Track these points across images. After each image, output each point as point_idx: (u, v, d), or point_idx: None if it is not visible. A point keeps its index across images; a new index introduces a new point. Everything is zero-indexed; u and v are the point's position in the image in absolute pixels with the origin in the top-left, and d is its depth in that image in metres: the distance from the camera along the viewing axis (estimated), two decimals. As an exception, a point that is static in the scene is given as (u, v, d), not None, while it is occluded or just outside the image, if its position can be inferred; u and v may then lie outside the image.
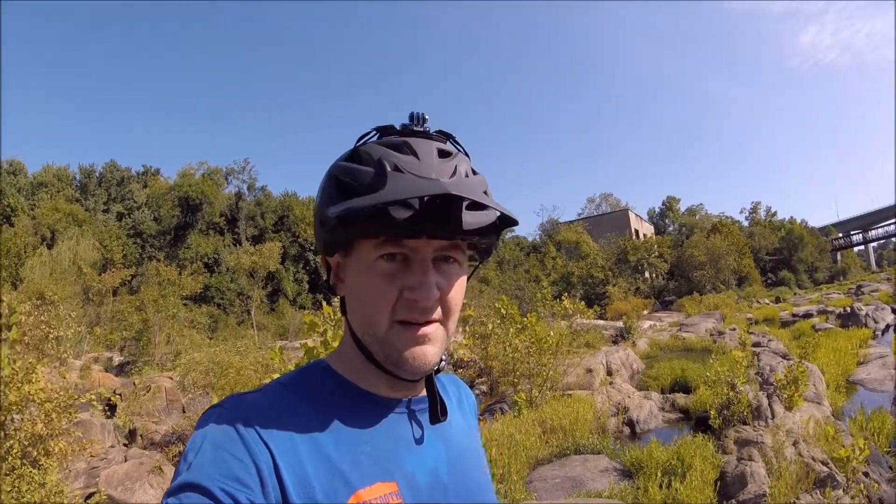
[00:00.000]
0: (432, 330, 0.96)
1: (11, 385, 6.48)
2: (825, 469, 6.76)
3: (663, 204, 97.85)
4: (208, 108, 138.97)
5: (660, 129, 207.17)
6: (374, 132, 0.99)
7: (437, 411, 1.07)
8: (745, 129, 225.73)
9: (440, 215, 0.89)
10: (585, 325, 19.47)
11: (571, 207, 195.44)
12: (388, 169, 0.89)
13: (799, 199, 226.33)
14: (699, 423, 10.33)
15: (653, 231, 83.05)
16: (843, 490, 6.35)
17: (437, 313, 0.97)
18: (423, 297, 0.92)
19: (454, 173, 0.94)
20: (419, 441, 1.03)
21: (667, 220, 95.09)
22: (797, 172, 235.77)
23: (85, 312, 24.71)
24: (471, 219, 0.92)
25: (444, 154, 0.97)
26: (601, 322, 27.91)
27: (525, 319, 12.68)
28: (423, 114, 1.00)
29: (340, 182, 0.95)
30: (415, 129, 0.98)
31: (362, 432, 0.97)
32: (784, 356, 15.52)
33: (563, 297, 15.28)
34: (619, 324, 26.39)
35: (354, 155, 0.96)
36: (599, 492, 7.09)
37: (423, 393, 1.10)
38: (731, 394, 9.44)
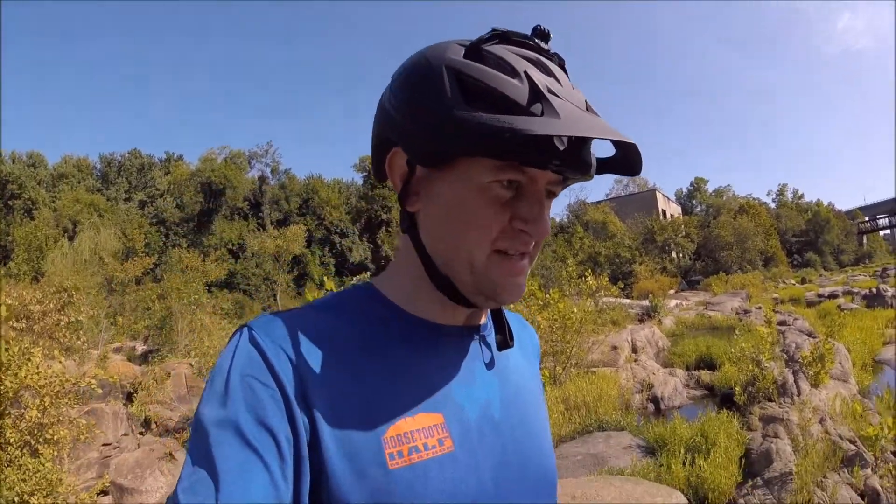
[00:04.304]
0: (526, 263, 0.91)
1: (9, 371, 6.42)
2: (853, 447, 6.64)
3: (691, 185, 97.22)
4: (231, 91, 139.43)
5: (690, 110, 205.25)
6: (492, 36, 0.87)
7: (507, 337, 1.01)
8: (775, 112, 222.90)
9: (572, 152, 0.82)
10: (611, 303, 19.31)
11: (599, 188, 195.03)
12: (543, 91, 0.80)
13: (826, 183, 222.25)
14: (724, 399, 10.25)
15: (680, 211, 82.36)
16: (872, 469, 6.25)
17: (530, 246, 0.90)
18: (537, 232, 0.87)
19: (588, 108, 0.86)
20: (472, 373, 0.96)
21: (694, 201, 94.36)
22: (825, 156, 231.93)
23: (109, 303, 24.67)
24: (592, 160, 0.87)
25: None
26: (627, 301, 27.76)
27: (547, 296, 12.57)
28: (548, 30, 0.90)
29: (469, 84, 0.82)
30: (541, 45, 0.89)
31: (408, 360, 0.90)
32: (809, 334, 15.43)
33: (586, 275, 15.18)
34: (646, 303, 26.19)
35: (478, 56, 0.84)
36: (621, 469, 6.99)
37: (483, 321, 1.03)
38: (756, 370, 9.35)
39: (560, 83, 0.84)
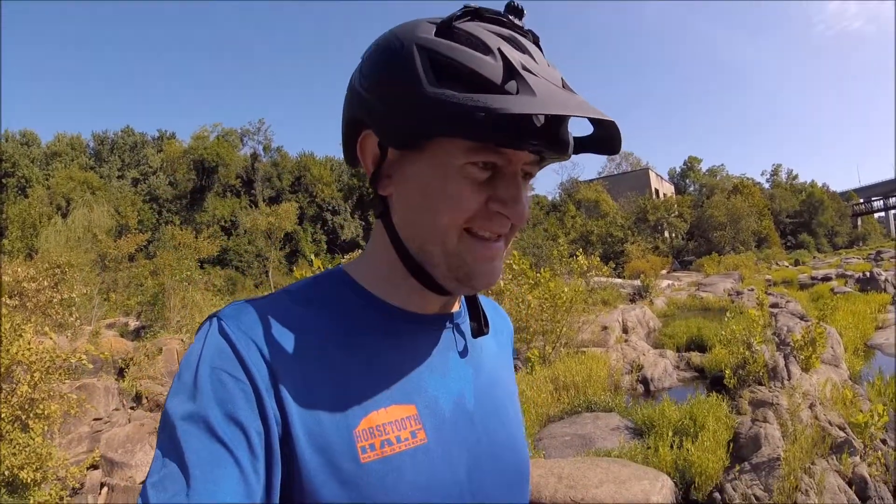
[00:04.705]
0: (501, 246, 0.89)
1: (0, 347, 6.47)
2: (842, 434, 6.62)
3: (684, 164, 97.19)
4: (223, 69, 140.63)
5: (683, 89, 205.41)
6: (464, 13, 0.83)
7: (482, 324, 1.00)
8: (770, 92, 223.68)
9: (549, 131, 0.80)
10: (602, 282, 19.33)
11: (592, 166, 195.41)
12: (518, 68, 0.76)
13: (821, 164, 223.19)
14: (714, 382, 10.22)
15: (673, 191, 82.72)
16: (860, 457, 6.22)
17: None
18: (514, 213, 0.85)
19: (564, 85, 0.83)
20: (446, 363, 0.95)
21: (687, 181, 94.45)
22: (820, 137, 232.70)
23: (102, 280, 24.88)
24: (569, 138, 0.85)
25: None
26: (619, 280, 27.92)
27: (538, 275, 12.55)
28: (522, 6, 0.87)
29: (441, 62, 0.78)
30: (515, 21, 0.85)
31: (381, 350, 0.89)
32: (802, 317, 15.41)
33: (577, 255, 15.16)
34: (637, 282, 26.29)
35: (450, 33, 0.80)
36: (609, 450, 6.99)
37: (457, 308, 1.02)
38: (746, 353, 9.31)
39: (535, 60, 0.81)
